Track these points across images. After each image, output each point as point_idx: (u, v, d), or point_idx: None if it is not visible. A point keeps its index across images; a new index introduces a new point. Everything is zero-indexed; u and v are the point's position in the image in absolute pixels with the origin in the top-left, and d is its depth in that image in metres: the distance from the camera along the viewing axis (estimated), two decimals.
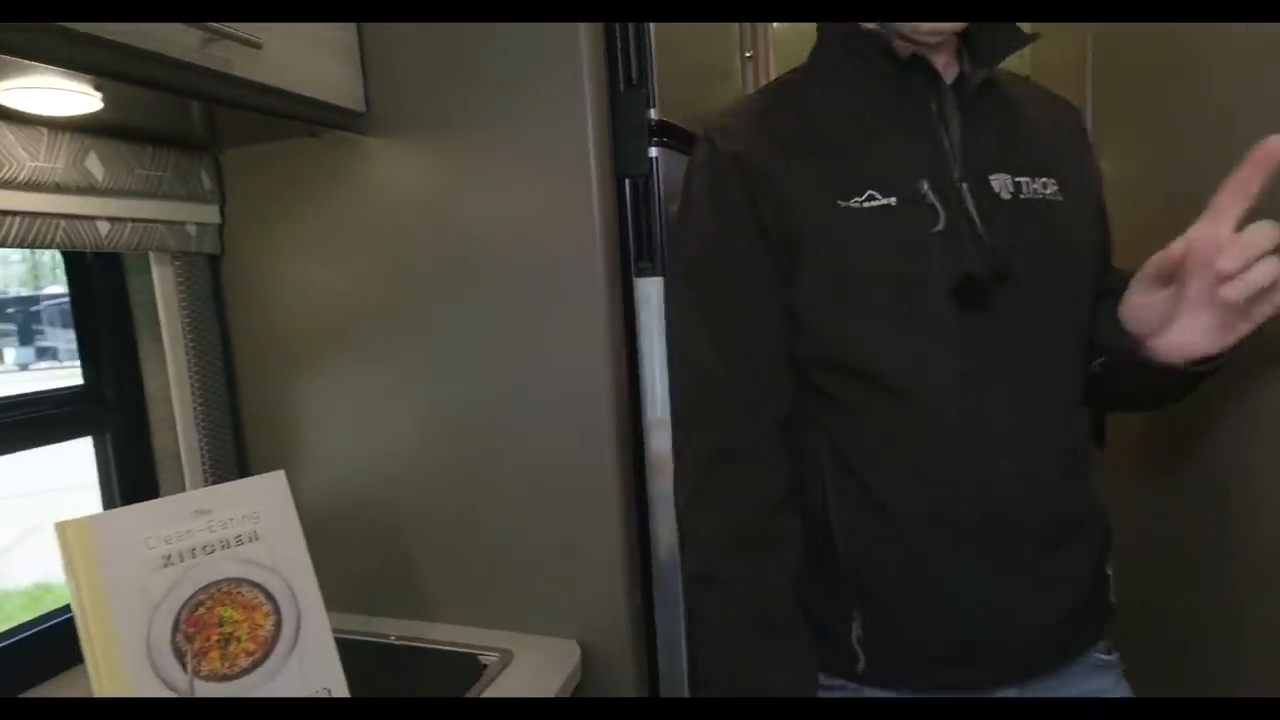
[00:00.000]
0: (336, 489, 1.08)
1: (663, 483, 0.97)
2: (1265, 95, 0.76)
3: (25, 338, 3.39)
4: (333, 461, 1.08)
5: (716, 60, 1.33)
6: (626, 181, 0.94)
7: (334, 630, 0.84)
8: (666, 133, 0.94)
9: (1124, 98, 1.13)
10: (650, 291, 0.94)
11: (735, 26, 1.46)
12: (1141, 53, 1.07)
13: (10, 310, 3.38)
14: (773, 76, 2.00)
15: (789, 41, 2.53)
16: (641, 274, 0.94)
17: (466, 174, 0.96)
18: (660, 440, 0.97)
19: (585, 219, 0.91)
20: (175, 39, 0.71)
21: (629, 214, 0.94)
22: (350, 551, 1.08)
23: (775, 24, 2.15)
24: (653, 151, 0.93)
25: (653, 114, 0.92)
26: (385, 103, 0.97)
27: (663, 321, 0.94)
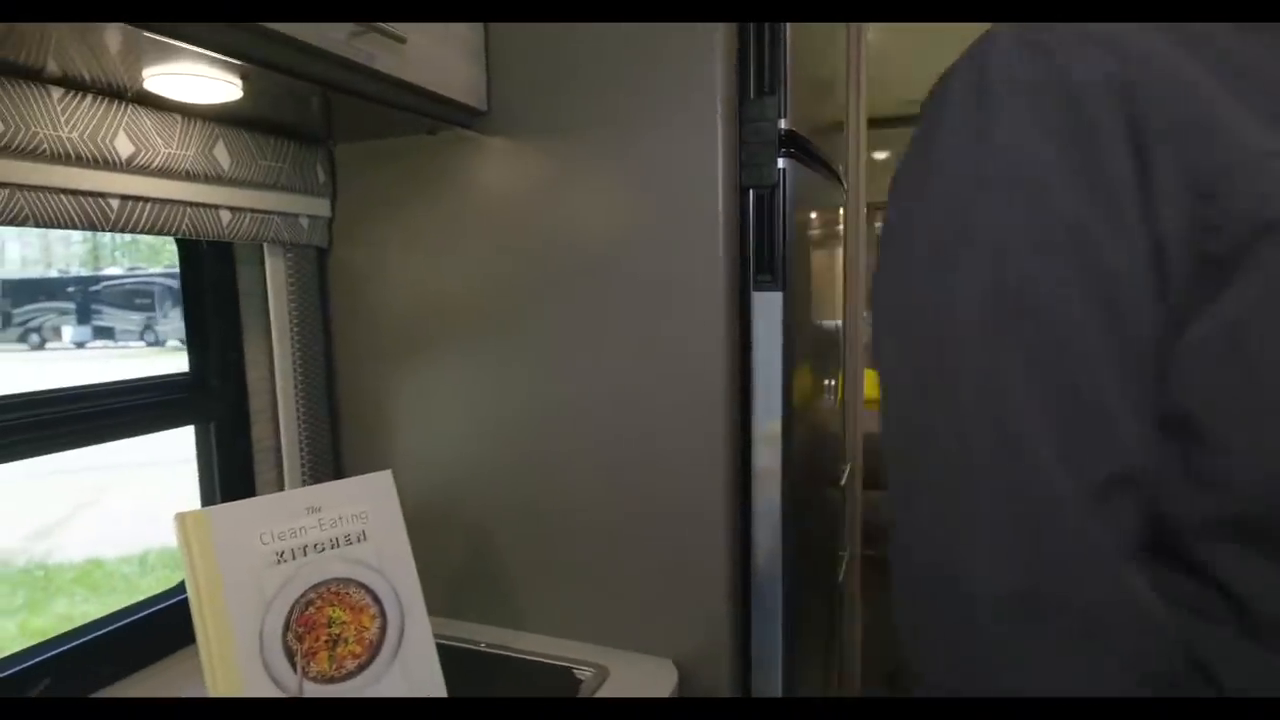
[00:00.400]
0: (428, 487, 1.07)
1: (766, 497, 0.94)
2: None
3: (83, 317, 3.49)
4: (426, 460, 1.07)
5: (825, 71, 1.30)
6: (751, 192, 0.91)
7: None
8: (795, 144, 0.92)
9: None
10: (768, 305, 0.92)
11: (843, 35, 1.43)
12: None
13: (70, 290, 3.48)
14: (866, 88, 1.97)
15: (886, 48, 2.49)
16: (761, 287, 0.91)
17: (584, 177, 0.94)
18: (767, 455, 0.93)
19: (707, 230, 0.89)
20: (325, 31, 0.70)
21: (751, 226, 0.91)
22: (438, 551, 1.07)
23: (872, 31, 2.12)
24: (781, 163, 0.90)
25: (783, 124, 0.90)
26: (507, 102, 0.96)
27: (780, 335, 0.91)
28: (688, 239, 0.90)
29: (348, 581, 0.81)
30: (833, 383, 1.43)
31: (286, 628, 0.76)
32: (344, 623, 0.80)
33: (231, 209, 0.93)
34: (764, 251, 0.91)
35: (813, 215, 1.13)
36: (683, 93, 0.89)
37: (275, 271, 1.03)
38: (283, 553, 0.78)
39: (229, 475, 1.03)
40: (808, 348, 1.11)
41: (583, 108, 0.93)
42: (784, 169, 0.90)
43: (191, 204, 0.88)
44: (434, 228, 1.03)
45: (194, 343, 1.03)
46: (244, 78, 0.74)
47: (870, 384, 3.24)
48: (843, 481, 1.70)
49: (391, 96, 0.82)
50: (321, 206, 1.06)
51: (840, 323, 1.53)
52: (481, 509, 1.05)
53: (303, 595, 0.78)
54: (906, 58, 2.68)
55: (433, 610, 1.08)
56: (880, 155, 3.63)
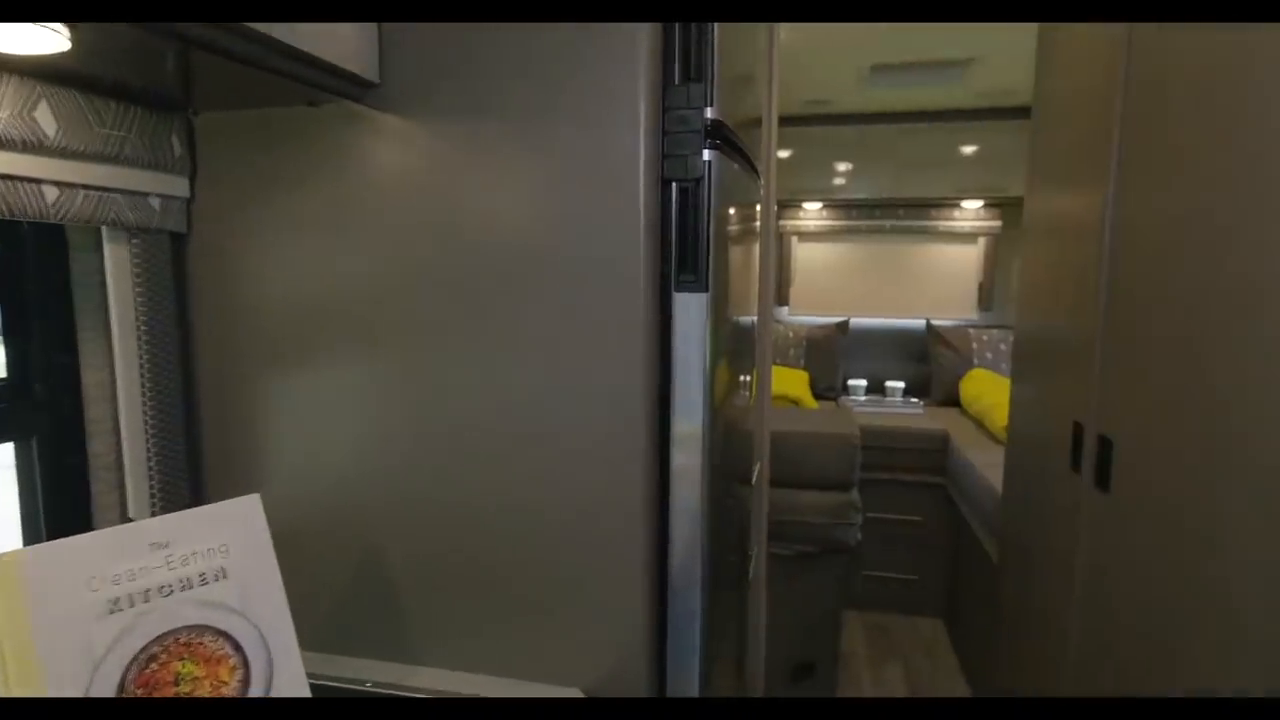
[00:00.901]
0: (309, 507, 0.95)
1: (685, 507, 0.88)
2: None
3: None
4: (307, 476, 0.94)
5: (746, 66, 1.25)
6: (674, 185, 0.84)
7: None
8: (720, 135, 0.85)
9: (1155, 124, 1.11)
10: (691, 307, 0.85)
11: (764, 34, 1.39)
12: (1178, 84, 1.04)
13: None
14: (777, 78, 1.95)
15: (795, 47, 2.49)
16: (683, 288, 0.85)
17: (492, 163, 0.84)
18: (686, 459, 0.87)
19: (627, 226, 0.81)
20: None
21: (674, 222, 0.84)
22: (321, 579, 0.95)
23: (784, 31, 2.10)
24: (706, 154, 0.83)
25: (709, 113, 0.83)
26: (403, 75, 0.85)
27: (702, 338, 0.85)
28: (606, 235, 0.82)
29: (202, 629, 0.68)
30: (748, 379, 1.39)
31: (121, 691, 0.63)
32: (196, 678, 0.67)
33: (59, 184, 0.77)
34: (687, 250, 0.84)
35: (734, 211, 1.08)
36: (602, 76, 0.81)
37: (118, 260, 0.87)
38: (118, 600, 0.65)
39: (57, 501, 0.87)
40: (727, 346, 1.05)
41: (491, 87, 0.83)
42: (709, 161, 0.83)
43: (4, 177, 0.72)
44: (318, 213, 0.90)
45: (13, 341, 0.86)
46: (70, 25, 0.60)
47: (779, 381, 3.27)
48: (753, 480, 1.67)
49: (263, 58, 0.70)
50: (177, 185, 0.91)
51: (755, 319, 1.49)
52: (369, 530, 0.93)
53: (144, 650, 0.65)
54: (809, 59, 2.70)
55: (315, 645, 0.96)
56: (783, 154, 3.66)
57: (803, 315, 3.90)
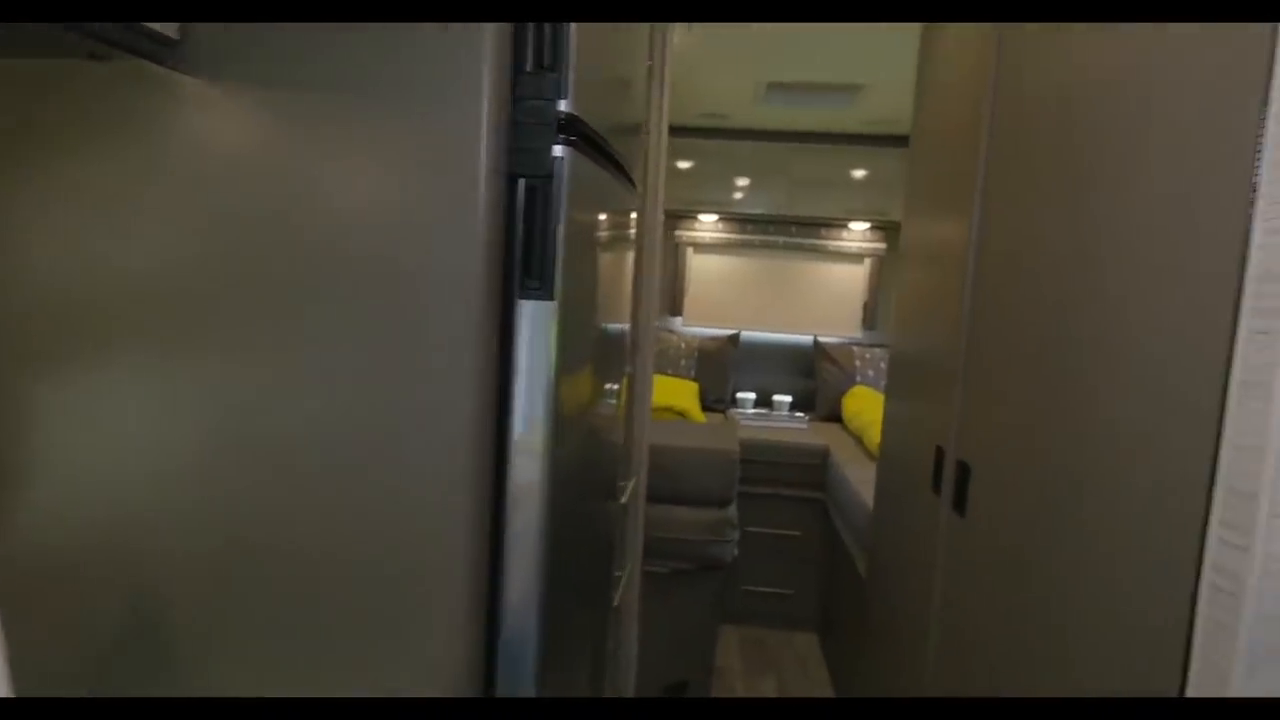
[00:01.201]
0: (73, 525, 0.81)
1: (524, 518, 0.80)
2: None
3: None
4: (70, 491, 0.81)
5: (624, 69, 1.19)
6: (521, 182, 0.77)
7: None
8: (577, 130, 0.79)
9: (1017, 151, 1.13)
10: (535, 315, 0.78)
11: (646, 35, 1.34)
12: (1034, 113, 1.07)
13: None
14: (669, 86, 1.91)
15: (691, 59, 2.47)
16: (528, 295, 0.78)
17: (312, 145, 0.74)
18: (526, 474, 0.80)
19: (462, 222, 0.73)
20: None
21: (519, 222, 0.77)
22: (88, 617, 0.81)
23: (676, 35, 2.07)
24: (558, 150, 0.77)
25: (564, 105, 0.76)
26: (208, 34, 0.74)
27: (549, 346, 0.78)
28: (440, 233, 0.74)
29: None
30: (616, 386, 1.33)
31: None
32: None
33: None
34: (534, 253, 0.77)
35: (601, 216, 1.02)
36: (444, 57, 0.72)
37: None
38: None
39: None
40: (587, 354, 0.99)
41: (316, 58, 0.73)
42: (562, 157, 0.77)
43: None
44: (97, 189, 0.77)
45: None
46: None
47: (660, 392, 3.25)
48: (624, 498, 1.62)
49: None
50: None
51: (628, 328, 1.44)
52: (147, 554, 0.80)
53: None
54: (706, 72, 2.69)
55: (84, 682, 0.82)
56: (684, 165, 3.66)
57: (696, 327, 3.91)
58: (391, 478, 0.77)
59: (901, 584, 1.68)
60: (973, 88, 1.41)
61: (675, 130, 3.56)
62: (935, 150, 1.66)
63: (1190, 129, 0.76)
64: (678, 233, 3.83)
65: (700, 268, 3.92)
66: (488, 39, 0.72)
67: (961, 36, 1.53)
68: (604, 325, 1.18)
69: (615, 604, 1.61)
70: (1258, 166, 0.66)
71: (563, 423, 0.84)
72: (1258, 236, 0.66)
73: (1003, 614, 1.13)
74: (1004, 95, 1.26)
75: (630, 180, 1.26)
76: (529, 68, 0.76)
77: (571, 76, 0.77)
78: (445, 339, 0.74)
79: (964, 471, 1.30)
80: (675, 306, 3.91)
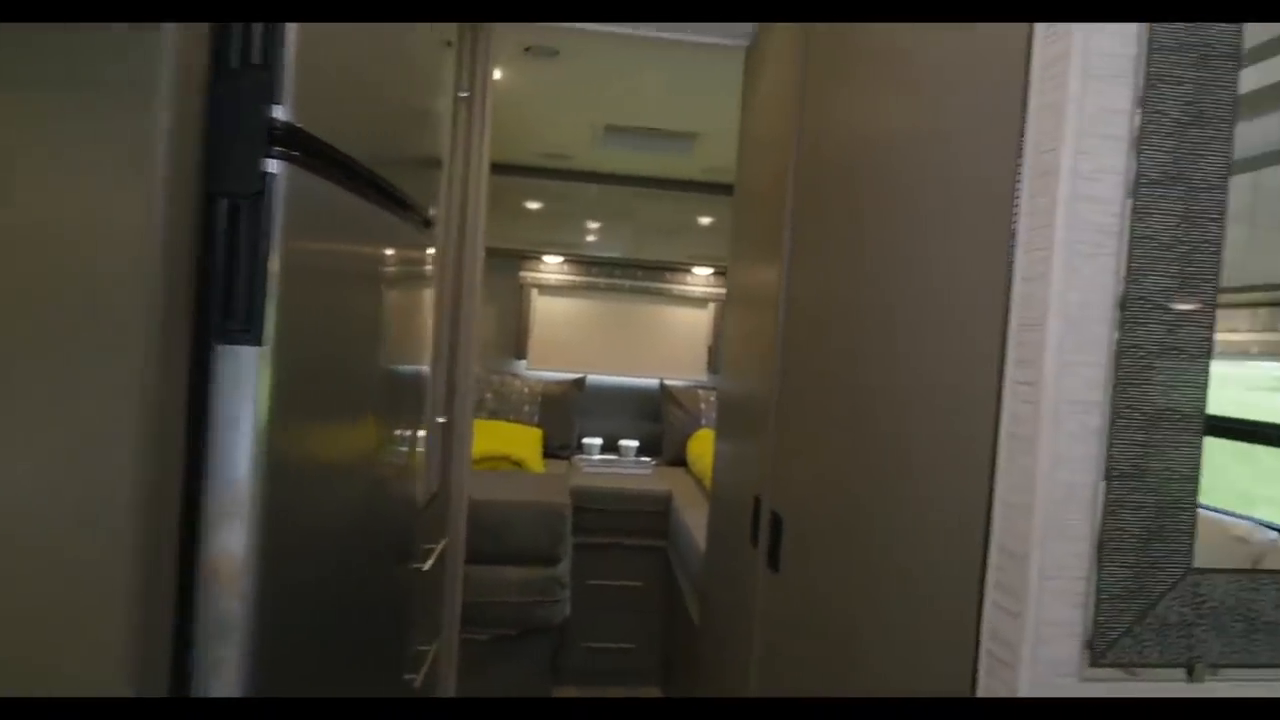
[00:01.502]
0: None
1: (218, 604, 0.64)
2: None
3: None
4: None
5: (413, 96, 1.08)
6: (223, 202, 0.63)
7: None
8: (298, 143, 0.66)
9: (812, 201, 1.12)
10: (236, 361, 0.63)
11: (452, 65, 1.24)
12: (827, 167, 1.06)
13: None
14: (490, 118, 1.82)
15: (510, 83, 2.39)
16: (227, 339, 0.63)
17: None
18: (225, 547, 0.64)
19: (139, 248, 0.58)
20: None
21: (219, 249, 0.63)
22: None
23: (497, 67, 1.99)
24: (271, 165, 0.64)
25: (278, 112, 0.64)
26: None
27: (258, 396, 0.64)
28: (107, 260, 0.58)
29: None
30: (408, 434, 1.17)
31: None
32: None
33: None
34: (236, 288, 0.63)
35: (361, 249, 0.89)
36: (117, 43, 0.58)
37: None
38: None
39: None
40: (346, 402, 0.85)
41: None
42: (276, 174, 0.64)
43: None
44: None
45: None
46: None
47: (496, 440, 3.08)
48: (427, 565, 1.45)
49: None
50: None
51: (426, 370, 1.29)
52: None
53: None
54: (541, 110, 2.64)
55: None
56: (532, 205, 3.58)
57: (540, 370, 3.79)
58: (45, 582, 0.59)
59: (728, 632, 1.62)
60: (781, 142, 1.41)
61: (516, 169, 3.49)
62: (754, 200, 1.67)
63: (958, 182, 0.75)
64: (522, 274, 3.73)
65: (545, 310, 3.82)
66: (169, 26, 0.58)
67: (774, 93, 1.55)
68: (390, 368, 1.04)
69: (417, 684, 1.43)
70: (1015, 214, 0.64)
71: (288, 481, 0.70)
72: (1018, 285, 0.64)
73: (816, 670, 1.08)
74: (804, 151, 1.27)
75: (420, 214, 1.14)
76: (233, 63, 0.63)
77: (291, 79, 0.64)
78: (105, 392, 0.58)
79: (777, 523, 1.25)
80: (519, 349, 3.77)
